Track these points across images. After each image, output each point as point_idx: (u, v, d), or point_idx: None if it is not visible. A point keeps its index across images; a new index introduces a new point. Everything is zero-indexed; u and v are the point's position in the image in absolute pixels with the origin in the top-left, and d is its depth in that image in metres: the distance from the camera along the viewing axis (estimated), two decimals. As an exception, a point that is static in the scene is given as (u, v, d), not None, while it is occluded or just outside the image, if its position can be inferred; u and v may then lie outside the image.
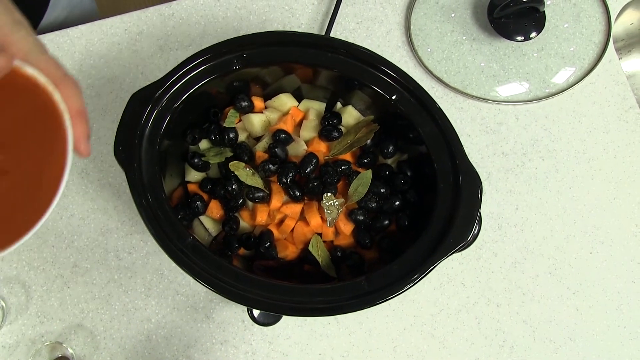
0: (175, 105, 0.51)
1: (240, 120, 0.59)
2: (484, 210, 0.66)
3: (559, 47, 0.70)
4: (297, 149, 0.57)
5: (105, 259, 0.62)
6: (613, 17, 0.71)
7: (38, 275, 0.61)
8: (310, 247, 0.55)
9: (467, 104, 0.69)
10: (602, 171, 0.68)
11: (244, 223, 0.57)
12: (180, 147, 0.58)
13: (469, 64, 0.69)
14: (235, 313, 0.62)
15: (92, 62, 0.67)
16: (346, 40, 0.55)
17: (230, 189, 0.55)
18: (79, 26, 0.68)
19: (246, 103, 0.57)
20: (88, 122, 0.37)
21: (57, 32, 0.67)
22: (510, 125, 0.69)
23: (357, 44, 0.54)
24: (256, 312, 0.58)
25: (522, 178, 0.68)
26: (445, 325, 0.63)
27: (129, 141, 0.49)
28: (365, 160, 0.58)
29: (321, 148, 0.57)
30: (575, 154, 0.69)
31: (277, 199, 0.55)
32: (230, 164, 0.54)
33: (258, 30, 0.68)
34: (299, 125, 0.59)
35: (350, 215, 0.56)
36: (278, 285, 0.47)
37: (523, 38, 0.68)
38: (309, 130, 0.58)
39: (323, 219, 0.55)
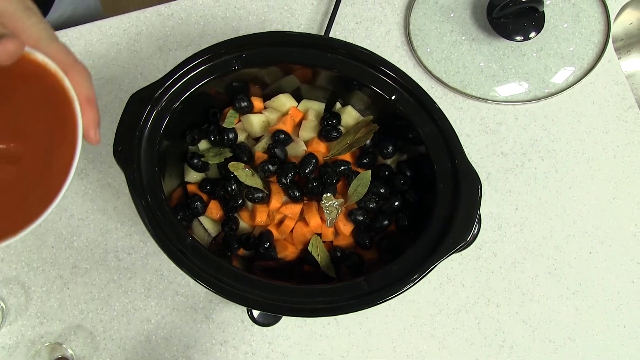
0: (175, 105, 0.51)
1: (239, 121, 0.59)
2: (484, 210, 0.66)
3: (558, 47, 0.70)
4: (297, 149, 0.57)
5: (104, 259, 0.62)
6: (612, 17, 0.71)
7: (37, 276, 0.61)
8: (309, 248, 0.55)
9: (467, 104, 0.69)
10: (601, 171, 0.68)
11: (244, 223, 0.57)
12: (179, 148, 0.58)
13: (468, 64, 0.69)
14: (234, 313, 0.62)
15: (91, 62, 0.67)
16: (345, 40, 0.55)
17: (229, 189, 0.55)
18: (78, 27, 0.68)
19: (245, 103, 0.57)
20: (98, 110, 0.36)
21: (56, 33, 0.67)
22: (510, 125, 0.69)
23: (356, 44, 0.54)
24: (256, 313, 0.58)
25: (522, 178, 0.68)
26: (445, 325, 0.63)
27: (128, 142, 0.49)
28: (365, 161, 0.58)
29: (320, 148, 0.57)
30: (575, 153, 0.69)
31: (277, 200, 0.55)
32: (230, 164, 0.54)
33: (257, 31, 0.68)
34: (298, 125, 0.59)
35: (349, 215, 0.56)
36: (277, 286, 0.47)
37: (522, 38, 0.68)
38: (308, 131, 0.58)
39: (322, 220, 0.55)
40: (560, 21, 0.71)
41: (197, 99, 0.53)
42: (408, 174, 0.57)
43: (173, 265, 0.47)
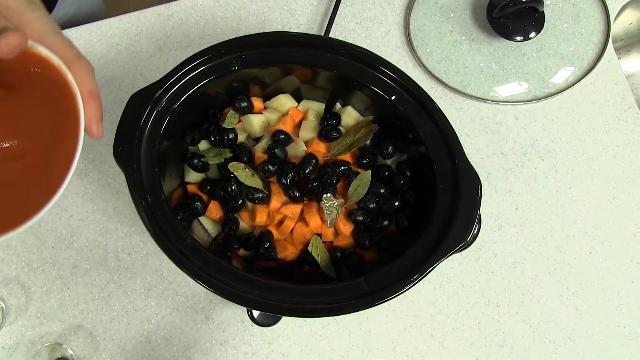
0: (175, 106, 0.51)
1: (239, 121, 0.59)
2: (484, 210, 0.66)
3: (558, 47, 0.70)
4: (297, 149, 0.57)
5: (104, 259, 0.62)
6: (612, 17, 0.71)
7: (37, 276, 0.61)
8: (309, 248, 0.55)
9: (467, 104, 0.69)
10: (601, 171, 0.68)
11: (244, 224, 0.57)
12: (179, 148, 0.58)
13: (468, 64, 0.69)
14: (234, 314, 0.62)
15: (91, 62, 0.67)
16: (345, 40, 0.55)
17: (229, 189, 0.55)
18: (78, 27, 0.68)
19: (245, 104, 0.57)
20: (101, 104, 0.37)
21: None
22: (510, 126, 0.69)
23: (356, 44, 0.54)
24: (256, 313, 0.58)
25: (522, 178, 0.68)
26: (445, 325, 0.63)
27: (128, 142, 0.49)
28: (365, 161, 0.58)
29: (320, 149, 0.57)
30: (575, 153, 0.69)
31: (277, 200, 0.55)
32: (230, 164, 0.54)
33: (257, 31, 0.68)
34: (298, 125, 0.59)
35: (349, 215, 0.56)
36: (277, 286, 0.47)
37: (522, 38, 0.68)
38: (308, 131, 0.58)
39: (322, 220, 0.55)
40: (560, 21, 0.71)
41: (197, 100, 0.53)
42: (408, 174, 0.57)
43: (173, 265, 0.47)
